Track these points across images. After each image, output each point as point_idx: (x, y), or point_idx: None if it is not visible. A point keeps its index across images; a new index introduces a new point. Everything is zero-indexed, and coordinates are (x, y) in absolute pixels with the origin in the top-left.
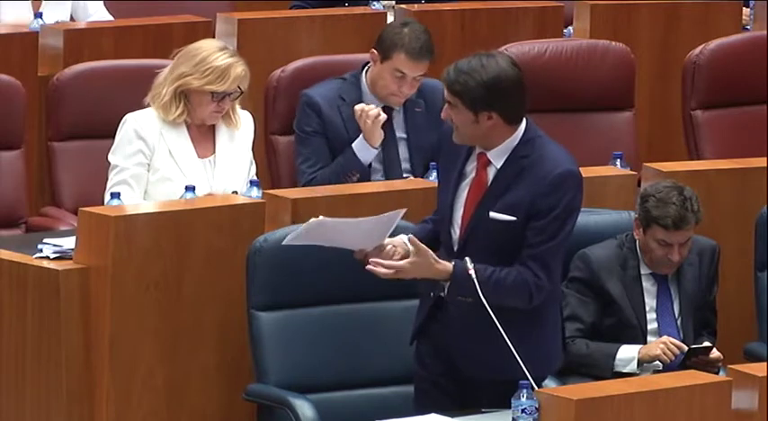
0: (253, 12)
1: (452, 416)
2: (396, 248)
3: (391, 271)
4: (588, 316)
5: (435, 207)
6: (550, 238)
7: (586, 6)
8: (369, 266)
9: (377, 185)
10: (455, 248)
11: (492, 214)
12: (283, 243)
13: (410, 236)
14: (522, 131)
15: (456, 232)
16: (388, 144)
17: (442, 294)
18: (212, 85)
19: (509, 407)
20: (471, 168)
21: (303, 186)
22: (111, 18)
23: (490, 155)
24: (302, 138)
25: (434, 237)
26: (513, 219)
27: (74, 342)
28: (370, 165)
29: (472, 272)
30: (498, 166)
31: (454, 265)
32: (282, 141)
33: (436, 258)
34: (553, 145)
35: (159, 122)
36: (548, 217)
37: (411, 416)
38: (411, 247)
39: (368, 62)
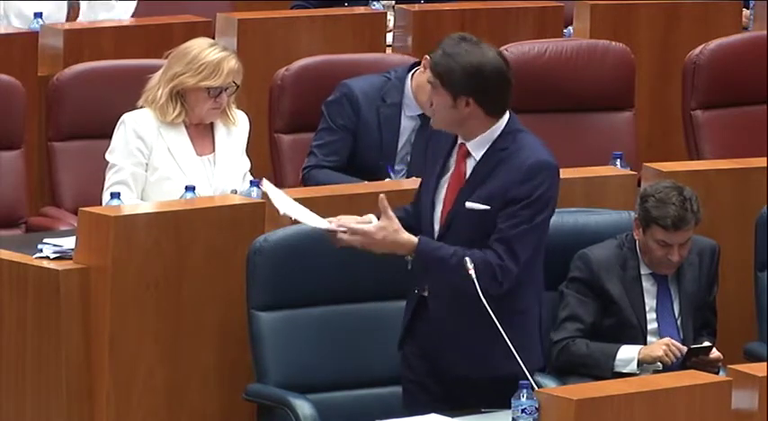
0: (253, 12)
1: (452, 416)
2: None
3: (356, 237)
4: (588, 316)
5: (415, 201)
6: (518, 224)
7: (586, 6)
8: (333, 232)
9: (376, 185)
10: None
11: (468, 204)
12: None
13: (381, 195)
14: (504, 124)
15: (437, 225)
16: (418, 149)
17: (424, 293)
18: (207, 80)
19: (496, 407)
20: (452, 161)
21: (304, 168)
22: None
23: (470, 146)
24: (329, 126)
25: (405, 226)
26: (487, 208)
27: (74, 342)
28: (394, 164)
29: (472, 272)
30: (477, 158)
31: (419, 240)
32: (287, 140)
33: (402, 229)
34: (532, 138)
35: (157, 122)
36: (519, 204)
37: (410, 415)
38: (354, 226)
39: (415, 63)
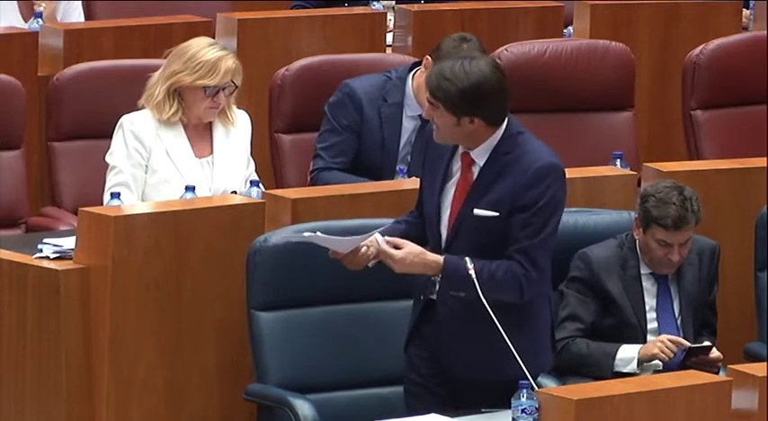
0: (253, 12)
1: (452, 416)
2: (369, 248)
3: (374, 251)
4: (588, 316)
5: (419, 208)
6: (535, 233)
7: (586, 6)
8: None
9: (376, 185)
10: (442, 247)
11: (476, 211)
12: (275, 241)
13: (386, 237)
14: (504, 128)
15: (444, 231)
16: (418, 150)
17: (432, 296)
18: (204, 79)
19: (501, 408)
20: (457, 168)
21: (312, 171)
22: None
23: (474, 154)
24: (333, 128)
25: (406, 238)
26: (496, 214)
27: (74, 342)
28: (395, 164)
29: (472, 272)
30: (481, 164)
31: (445, 259)
32: (286, 140)
33: (424, 250)
34: (535, 141)
35: (155, 123)
36: (531, 210)
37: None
38: (383, 246)
39: (416, 63)
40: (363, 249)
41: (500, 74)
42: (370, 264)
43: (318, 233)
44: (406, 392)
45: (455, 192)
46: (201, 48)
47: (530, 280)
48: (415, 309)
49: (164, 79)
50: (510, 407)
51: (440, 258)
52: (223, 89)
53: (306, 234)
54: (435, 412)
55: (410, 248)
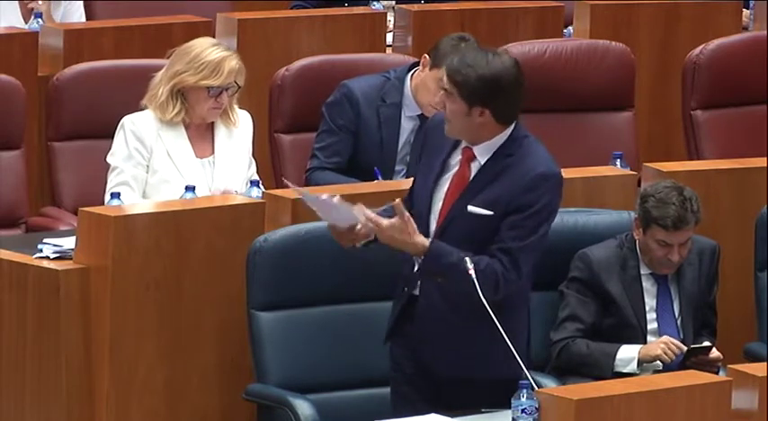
0: (253, 12)
1: (452, 416)
2: (362, 228)
3: (370, 224)
4: (588, 316)
5: (410, 199)
6: (523, 236)
7: (586, 6)
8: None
9: (375, 185)
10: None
11: (470, 208)
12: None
13: (397, 201)
14: (511, 130)
15: (433, 223)
16: (416, 149)
17: (414, 292)
18: (207, 79)
19: (485, 407)
20: (455, 162)
21: (307, 170)
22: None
23: (476, 150)
24: (329, 128)
25: None
26: (491, 213)
27: (74, 342)
28: (394, 165)
29: (472, 272)
30: (482, 162)
31: (431, 242)
32: (286, 140)
33: (416, 230)
34: (538, 146)
35: (157, 123)
36: (524, 213)
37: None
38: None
39: (415, 63)
40: (358, 227)
41: (520, 73)
42: (358, 245)
43: (325, 196)
44: (392, 392)
45: (450, 185)
46: (205, 48)
47: (507, 280)
48: (396, 305)
49: (167, 79)
50: (507, 406)
51: (426, 242)
52: (226, 89)
53: (324, 196)
54: (424, 412)
55: (398, 223)
